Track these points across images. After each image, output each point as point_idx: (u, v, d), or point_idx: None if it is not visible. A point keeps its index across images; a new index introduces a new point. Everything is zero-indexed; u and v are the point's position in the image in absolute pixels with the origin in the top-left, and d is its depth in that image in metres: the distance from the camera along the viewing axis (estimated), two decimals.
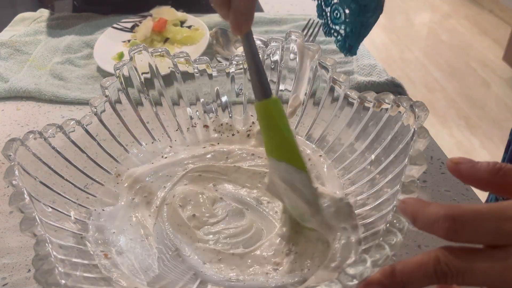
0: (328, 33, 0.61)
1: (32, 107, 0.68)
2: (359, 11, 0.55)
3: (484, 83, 2.24)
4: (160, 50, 0.52)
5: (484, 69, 2.34)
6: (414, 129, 0.40)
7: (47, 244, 0.35)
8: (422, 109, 0.40)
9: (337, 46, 0.61)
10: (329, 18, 0.59)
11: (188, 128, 0.56)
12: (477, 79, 2.27)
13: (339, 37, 0.59)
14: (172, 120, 0.56)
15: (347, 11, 0.56)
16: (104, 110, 0.50)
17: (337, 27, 0.59)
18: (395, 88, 0.65)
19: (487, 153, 1.84)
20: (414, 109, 0.41)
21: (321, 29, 0.76)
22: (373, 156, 0.46)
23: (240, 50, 0.74)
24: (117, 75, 0.51)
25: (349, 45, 0.59)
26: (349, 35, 0.58)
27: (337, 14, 0.57)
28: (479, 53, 2.45)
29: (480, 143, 1.90)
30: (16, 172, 0.39)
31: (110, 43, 0.77)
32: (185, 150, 0.54)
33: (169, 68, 0.54)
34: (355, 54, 0.60)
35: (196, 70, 0.54)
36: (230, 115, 0.57)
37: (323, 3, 0.60)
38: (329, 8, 0.59)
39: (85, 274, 0.37)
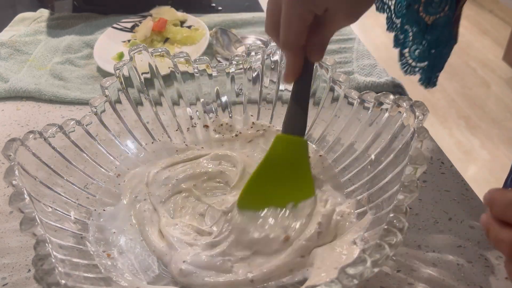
0: (410, 71, 0.63)
1: (32, 107, 0.68)
2: (432, 45, 0.57)
3: (484, 83, 2.24)
4: (160, 50, 0.52)
5: (484, 69, 2.34)
6: (414, 129, 0.40)
7: (47, 244, 0.35)
8: (422, 109, 0.40)
9: (420, 83, 0.62)
10: (409, 57, 0.61)
11: (188, 128, 0.56)
12: (477, 79, 2.27)
13: (420, 71, 0.61)
14: (172, 120, 0.56)
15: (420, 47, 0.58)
16: (104, 110, 0.50)
17: (417, 64, 0.60)
18: (395, 88, 0.65)
19: (487, 153, 1.84)
20: (414, 109, 0.41)
21: None
22: (373, 156, 0.46)
23: (240, 50, 0.74)
24: (117, 75, 0.51)
25: (427, 77, 0.60)
26: (427, 69, 0.59)
27: (414, 50, 0.59)
28: (479, 53, 2.45)
29: (480, 143, 1.90)
30: (16, 172, 0.39)
31: (110, 43, 0.78)
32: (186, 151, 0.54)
33: (169, 68, 0.54)
34: (435, 85, 0.62)
35: (196, 70, 0.54)
36: (230, 115, 0.57)
37: (401, 45, 0.61)
38: (407, 49, 0.60)
39: (85, 274, 0.37)
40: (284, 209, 0.43)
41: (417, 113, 0.40)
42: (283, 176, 0.45)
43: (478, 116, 2.03)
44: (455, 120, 2.02)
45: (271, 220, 0.43)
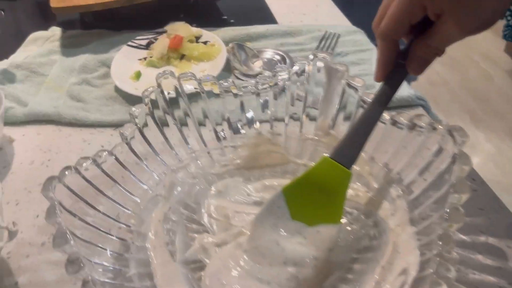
0: None
1: (52, 131, 0.67)
2: None
3: (487, 76, 2.24)
4: (189, 74, 0.51)
5: (486, 61, 2.33)
6: (455, 154, 0.39)
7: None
8: (461, 134, 0.40)
9: None
10: None
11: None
12: (479, 72, 2.27)
13: None
14: (199, 140, 0.55)
15: None
16: (133, 137, 0.50)
17: None
18: (418, 101, 0.65)
19: (492, 146, 1.84)
20: (453, 134, 0.40)
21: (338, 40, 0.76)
22: (407, 181, 0.45)
23: (257, 64, 0.74)
24: (146, 102, 0.50)
25: None
26: None
27: None
28: (480, 46, 2.44)
29: (485, 136, 1.90)
30: (58, 211, 0.39)
31: (126, 61, 0.77)
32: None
33: (194, 88, 0.53)
34: None
35: (221, 91, 0.54)
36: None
37: None
38: None
39: None
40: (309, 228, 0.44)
41: (456, 138, 0.40)
42: (316, 198, 0.44)
43: (482, 110, 2.03)
44: (459, 114, 2.02)
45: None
